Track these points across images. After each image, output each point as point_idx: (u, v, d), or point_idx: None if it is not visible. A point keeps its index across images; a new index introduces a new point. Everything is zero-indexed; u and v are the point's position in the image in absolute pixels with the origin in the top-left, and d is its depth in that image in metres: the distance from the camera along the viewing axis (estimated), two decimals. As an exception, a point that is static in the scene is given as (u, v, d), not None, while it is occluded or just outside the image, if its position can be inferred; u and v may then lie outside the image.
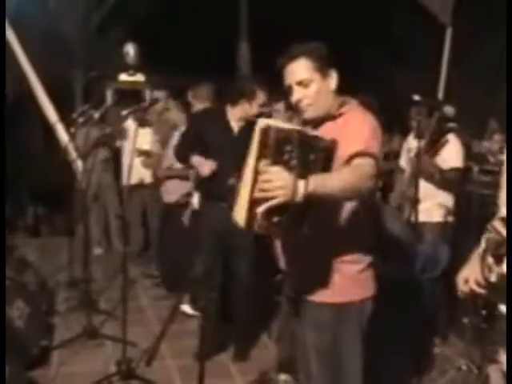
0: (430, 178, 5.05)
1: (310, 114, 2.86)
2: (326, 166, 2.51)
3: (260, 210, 2.38)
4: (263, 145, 2.44)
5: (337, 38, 12.20)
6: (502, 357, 2.73)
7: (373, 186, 2.62)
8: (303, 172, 2.39)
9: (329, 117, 2.86)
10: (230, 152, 4.43)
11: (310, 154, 2.46)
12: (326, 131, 2.74)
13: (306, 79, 2.83)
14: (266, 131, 2.44)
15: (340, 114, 2.84)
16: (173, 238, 6.41)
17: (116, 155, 8.12)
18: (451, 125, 5.20)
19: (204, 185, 4.99)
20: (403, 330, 4.74)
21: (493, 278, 2.63)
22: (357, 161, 2.60)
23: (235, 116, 4.87)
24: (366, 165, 2.59)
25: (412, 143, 5.28)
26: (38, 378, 4.67)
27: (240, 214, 2.51)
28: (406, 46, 11.84)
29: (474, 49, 11.06)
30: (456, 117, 5.20)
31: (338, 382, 2.91)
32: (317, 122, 2.87)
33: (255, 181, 2.40)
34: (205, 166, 4.79)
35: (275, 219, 2.42)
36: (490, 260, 2.61)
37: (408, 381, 4.51)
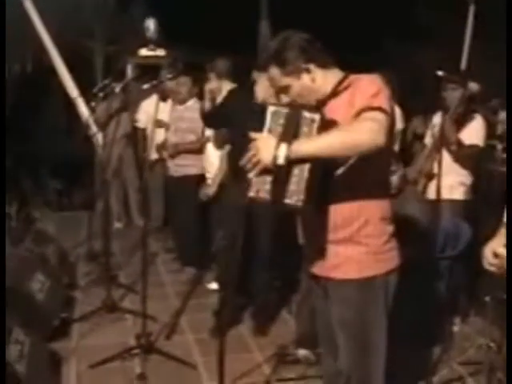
0: (448, 148, 5.00)
1: (306, 105, 2.83)
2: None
3: (249, 175, 2.56)
4: (265, 121, 2.63)
5: (358, 18, 12.16)
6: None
7: (379, 133, 2.51)
8: (291, 137, 2.52)
9: (331, 95, 2.81)
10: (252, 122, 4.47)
11: (303, 127, 2.56)
12: (331, 109, 2.74)
13: (282, 87, 2.85)
14: (265, 107, 2.65)
15: (343, 90, 2.78)
16: (187, 211, 6.39)
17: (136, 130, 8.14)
18: (476, 106, 5.16)
19: (231, 160, 4.99)
20: (423, 309, 4.73)
21: None
22: (363, 115, 2.55)
23: (263, 85, 4.81)
24: (368, 118, 2.53)
25: (437, 120, 5.24)
26: (58, 349, 4.71)
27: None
28: (431, 25, 11.71)
29: (496, 27, 10.92)
30: (480, 93, 5.14)
31: (365, 355, 2.90)
32: (322, 104, 2.83)
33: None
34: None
35: (265, 186, 2.56)
36: None
37: (427, 359, 4.50)
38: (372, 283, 2.82)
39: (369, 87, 2.64)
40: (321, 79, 2.82)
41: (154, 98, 7.36)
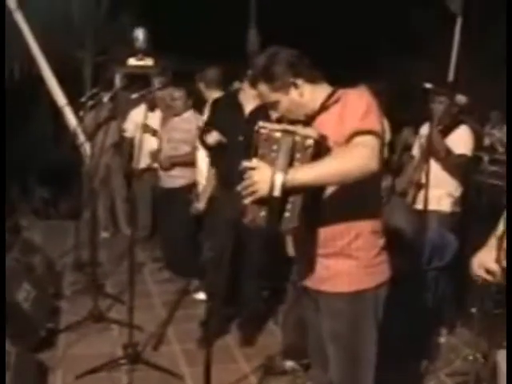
0: (437, 156, 5.02)
1: (296, 119, 2.86)
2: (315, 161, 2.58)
3: (244, 202, 2.60)
4: (255, 145, 2.65)
5: (350, 28, 12.20)
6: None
7: (372, 158, 2.54)
8: (286, 167, 2.54)
9: (320, 110, 2.83)
10: (236, 133, 4.49)
11: (296, 153, 2.57)
12: (321, 123, 2.76)
13: (271, 103, 2.87)
14: (257, 132, 2.65)
15: (331, 104, 2.79)
16: (178, 222, 6.39)
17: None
18: (464, 117, 5.19)
19: (219, 170, 4.99)
20: (409, 320, 4.73)
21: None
22: (355, 140, 2.57)
23: (248, 96, 4.80)
24: (361, 144, 2.56)
25: (424, 131, 5.27)
26: (44, 359, 4.68)
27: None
28: (418, 37, 11.78)
29: (483, 38, 11.01)
30: (466, 106, 5.18)
31: (355, 367, 2.90)
32: (311, 118, 2.85)
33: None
34: (209, 136, 4.83)
35: (261, 213, 2.60)
36: (505, 245, 2.58)
37: (414, 370, 4.51)
38: (362, 296, 2.82)
39: (358, 104, 2.66)
40: (309, 94, 2.83)
41: (142, 107, 7.36)
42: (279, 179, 2.49)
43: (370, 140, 2.57)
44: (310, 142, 2.56)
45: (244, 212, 2.64)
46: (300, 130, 2.64)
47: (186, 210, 5.98)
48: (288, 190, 2.52)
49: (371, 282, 2.83)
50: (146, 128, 6.89)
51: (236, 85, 5.67)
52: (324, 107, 2.81)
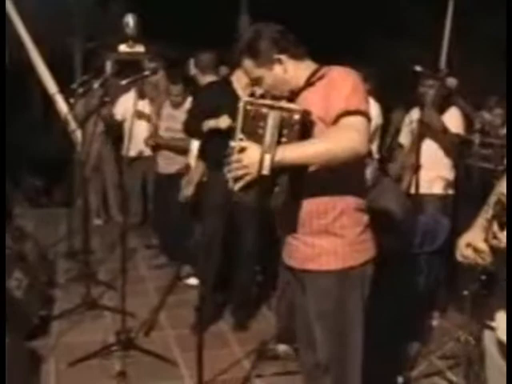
0: (434, 135, 5.01)
1: (280, 95, 2.87)
2: (301, 138, 2.59)
3: (236, 187, 2.61)
4: (243, 121, 2.68)
5: (340, 13, 12.15)
6: (499, 323, 2.72)
7: (360, 141, 2.55)
8: (275, 145, 2.54)
9: (304, 86, 2.83)
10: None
11: (283, 129, 2.58)
12: (305, 99, 2.77)
13: (255, 78, 2.88)
14: (244, 106, 2.67)
15: (316, 80, 2.80)
16: (171, 207, 6.41)
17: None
18: (453, 99, 5.19)
19: (209, 154, 4.97)
20: (401, 304, 4.75)
21: (498, 244, 2.60)
22: (342, 121, 2.58)
23: (241, 83, 4.81)
24: (349, 126, 2.56)
25: (414, 116, 5.26)
26: (37, 347, 4.69)
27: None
28: (409, 20, 11.75)
29: (475, 22, 10.98)
30: (458, 88, 5.17)
31: (343, 346, 2.90)
32: (295, 94, 2.86)
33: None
34: (222, 121, 4.76)
35: (251, 192, 2.64)
36: (495, 227, 2.58)
37: (406, 353, 4.53)
38: (348, 274, 2.82)
39: (344, 82, 2.66)
40: (293, 70, 2.84)
41: (131, 93, 7.36)
42: (268, 160, 2.50)
43: (358, 121, 2.58)
44: (296, 117, 2.56)
45: (232, 190, 2.66)
46: (285, 104, 2.65)
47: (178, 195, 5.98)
48: (276, 168, 2.53)
49: (357, 259, 2.83)
50: (138, 113, 6.89)
51: (223, 70, 5.65)
52: (308, 83, 2.82)
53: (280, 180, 2.61)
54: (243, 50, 2.84)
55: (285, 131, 2.57)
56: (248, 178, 2.56)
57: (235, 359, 4.56)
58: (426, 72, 4.57)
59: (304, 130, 2.60)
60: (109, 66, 9.24)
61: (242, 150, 2.58)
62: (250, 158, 2.54)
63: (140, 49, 9.26)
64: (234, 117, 4.57)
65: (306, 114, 2.61)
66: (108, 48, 9.50)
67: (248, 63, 2.85)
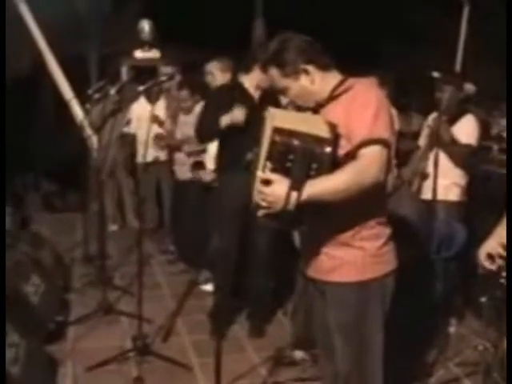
0: (442, 145, 5.00)
1: (302, 108, 2.88)
2: (329, 171, 2.58)
3: (259, 214, 2.67)
4: (270, 148, 2.60)
5: (354, 18, 12.15)
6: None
7: (382, 173, 2.61)
8: (300, 180, 2.53)
9: (329, 98, 2.82)
10: (251, 125, 4.44)
11: (312, 163, 2.55)
12: (329, 112, 2.76)
13: (281, 89, 2.88)
14: (272, 136, 2.57)
15: (341, 93, 2.79)
16: (188, 213, 6.42)
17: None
18: (469, 106, 5.16)
19: (222, 158, 4.97)
20: (418, 310, 4.73)
21: None
22: (363, 151, 2.59)
23: (251, 84, 4.83)
24: (370, 156, 2.58)
25: (432, 120, 5.24)
26: (54, 352, 4.70)
27: (253, 207, 2.76)
28: (424, 25, 11.73)
29: (490, 28, 10.94)
30: (475, 94, 5.15)
31: (363, 357, 2.90)
32: (320, 106, 2.85)
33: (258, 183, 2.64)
34: (237, 114, 4.73)
35: (273, 222, 2.71)
36: None
37: (423, 360, 4.51)
38: (369, 286, 2.82)
39: (367, 106, 2.65)
40: (319, 81, 2.83)
41: (142, 99, 7.41)
42: (294, 198, 2.52)
43: (378, 152, 2.60)
44: (328, 149, 2.55)
45: (254, 214, 2.71)
46: (317, 132, 2.58)
47: (200, 201, 5.99)
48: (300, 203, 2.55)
49: (378, 271, 2.83)
50: (154, 118, 6.93)
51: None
52: (333, 96, 2.81)
53: (304, 214, 2.61)
54: (270, 59, 2.83)
55: (314, 165, 2.55)
56: (271, 211, 2.60)
57: (252, 365, 4.55)
58: (443, 77, 4.56)
59: (332, 164, 2.58)
60: (124, 72, 9.26)
61: (268, 182, 2.57)
62: (276, 193, 2.56)
63: (156, 54, 9.27)
64: (250, 114, 4.60)
65: (336, 135, 2.59)
66: (123, 53, 9.52)
67: (274, 73, 2.84)
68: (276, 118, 2.62)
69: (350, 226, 2.78)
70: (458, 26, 7.83)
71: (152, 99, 7.24)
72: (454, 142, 5.03)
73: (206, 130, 4.98)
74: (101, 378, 4.36)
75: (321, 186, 2.55)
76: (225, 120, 4.76)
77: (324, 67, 2.84)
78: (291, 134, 2.56)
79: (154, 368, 4.47)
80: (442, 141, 4.94)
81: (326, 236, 2.82)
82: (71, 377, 4.42)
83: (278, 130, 2.57)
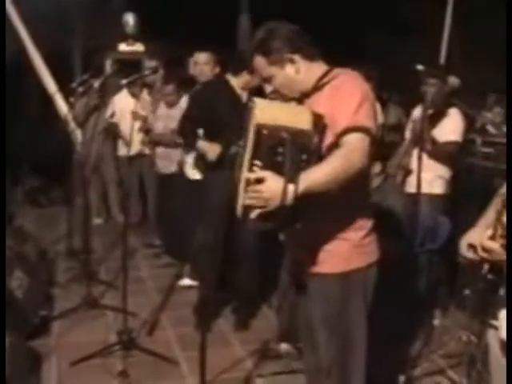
0: (422, 146, 5.01)
1: (287, 97, 2.87)
2: (316, 162, 2.54)
3: (252, 216, 2.54)
4: (256, 145, 2.52)
5: (340, 13, 12.14)
6: (502, 322, 2.72)
7: (365, 159, 2.58)
8: (294, 172, 2.45)
9: (314, 88, 2.82)
10: (238, 120, 4.44)
11: (302, 155, 2.51)
12: (314, 102, 2.75)
13: (266, 76, 2.86)
14: (259, 130, 2.51)
15: (325, 83, 2.78)
16: (173, 207, 6.41)
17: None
18: (454, 100, 5.17)
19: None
20: (402, 303, 4.75)
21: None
22: (345, 138, 2.57)
23: (237, 85, 4.85)
24: (354, 143, 2.56)
25: (417, 114, 5.26)
26: (38, 347, 4.68)
27: (238, 212, 2.64)
28: (409, 18, 11.75)
29: (474, 22, 10.98)
30: (459, 88, 5.16)
31: (346, 350, 2.90)
32: (305, 96, 2.85)
33: (247, 185, 2.52)
34: (211, 150, 4.80)
35: (268, 220, 2.54)
36: (505, 219, 2.56)
37: (408, 352, 4.52)
38: (352, 277, 2.82)
39: (351, 95, 2.64)
40: (305, 71, 2.82)
41: (124, 92, 7.38)
42: (291, 191, 2.43)
43: (361, 138, 2.58)
44: (316, 140, 2.53)
45: (245, 221, 2.58)
46: (302, 125, 2.55)
47: (179, 194, 5.98)
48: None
49: (361, 262, 2.84)
50: (135, 115, 6.89)
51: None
52: (318, 86, 2.80)
53: (299, 209, 2.50)
54: (256, 47, 2.83)
55: (304, 156, 2.50)
56: (267, 210, 2.49)
57: (237, 358, 4.56)
58: (428, 70, 4.56)
59: (320, 155, 2.56)
60: (108, 66, 9.23)
61: (260, 180, 2.48)
62: (272, 189, 2.46)
63: (140, 48, 9.25)
64: (230, 115, 4.61)
65: (322, 126, 2.58)
66: (107, 47, 9.49)
67: (260, 61, 2.83)
68: (261, 110, 2.57)
69: (335, 217, 2.77)
70: (443, 19, 7.86)
71: (135, 93, 7.21)
72: (433, 143, 5.05)
73: (188, 131, 5.02)
74: (85, 373, 4.35)
75: (312, 177, 2.49)
76: (199, 145, 4.94)
77: (310, 57, 2.83)
78: (277, 126, 2.51)
79: (138, 362, 4.46)
80: (422, 141, 4.96)
81: (311, 229, 2.82)
82: (56, 371, 4.41)
83: (263, 124, 2.52)
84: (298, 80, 2.83)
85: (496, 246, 2.61)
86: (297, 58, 2.80)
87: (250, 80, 4.77)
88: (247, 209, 2.54)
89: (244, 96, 4.85)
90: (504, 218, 2.56)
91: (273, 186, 2.46)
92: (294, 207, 2.46)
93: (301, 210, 2.51)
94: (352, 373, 2.94)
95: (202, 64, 5.74)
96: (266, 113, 2.57)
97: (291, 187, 2.43)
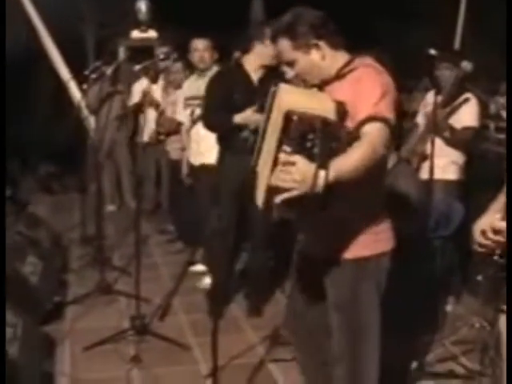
0: (439, 134, 4.98)
1: (308, 83, 2.85)
2: (345, 151, 2.51)
3: (278, 200, 2.39)
4: (285, 130, 2.45)
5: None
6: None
7: (384, 151, 2.59)
8: (325, 159, 2.39)
9: (335, 76, 2.82)
10: (250, 104, 4.43)
11: (332, 143, 2.47)
12: (334, 91, 2.74)
13: (289, 60, 2.84)
14: (288, 116, 2.44)
15: (347, 72, 2.79)
16: (185, 193, 6.41)
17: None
18: (467, 85, 5.14)
19: (223, 139, 4.93)
20: (415, 289, 4.73)
21: None
22: (366, 127, 2.56)
23: (253, 65, 4.77)
24: (375, 132, 2.56)
25: (430, 99, 5.22)
26: (52, 332, 4.71)
27: (259, 198, 2.56)
28: (422, 2, 11.65)
29: (489, 8, 10.88)
30: (472, 73, 5.11)
31: (359, 336, 2.91)
32: (325, 83, 2.84)
33: (274, 166, 2.42)
34: (251, 117, 4.60)
35: (294, 207, 2.44)
36: None
37: (420, 338, 4.51)
38: (366, 263, 2.83)
39: (374, 86, 2.64)
40: (329, 58, 2.82)
41: (144, 80, 7.36)
42: (323, 177, 2.36)
43: (382, 128, 2.57)
44: (343, 130, 2.52)
45: (267, 205, 2.48)
46: (328, 108, 2.52)
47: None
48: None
49: (374, 249, 2.84)
50: (150, 101, 6.89)
51: (236, 55, 5.60)
52: (339, 75, 2.80)
53: (328, 197, 2.43)
54: (281, 30, 2.81)
55: (333, 144, 2.46)
56: (295, 194, 2.36)
57: (249, 344, 4.56)
58: (441, 55, 4.52)
59: (349, 144, 2.53)
60: (122, 53, 9.23)
61: (290, 163, 2.37)
62: (303, 173, 2.34)
63: (152, 34, 9.24)
64: (244, 100, 4.58)
65: (344, 114, 2.56)
66: (120, 34, 9.49)
67: (284, 44, 2.80)
68: (287, 95, 2.55)
69: (351, 205, 2.76)
70: (457, 4, 7.80)
71: (152, 79, 7.20)
72: (452, 130, 5.02)
73: (217, 126, 4.92)
74: (98, 358, 4.37)
75: (341, 165, 2.43)
76: (238, 118, 4.67)
77: (335, 45, 2.83)
78: (307, 113, 2.46)
79: (151, 347, 4.48)
80: (440, 130, 4.94)
81: (325, 215, 2.81)
82: (69, 356, 4.43)
83: (293, 110, 2.45)
84: (323, 67, 2.82)
85: (504, 226, 2.59)
86: (322, 44, 2.79)
87: (264, 48, 4.69)
88: (272, 192, 2.42)
89: (255, 78, 4.81)
90: None
91: (303, 169, 2.35)
92: (323, 195, 2.39)
93: (329, 199, 2.44)
94: (365, 360, 2.94)
95: (201, 51, 5.70)
96: (293, 98, 2.55)
97: (322, 173, 2.36)
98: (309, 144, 2.41)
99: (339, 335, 2.94)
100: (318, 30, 2.78)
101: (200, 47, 5.68)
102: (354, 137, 2.56)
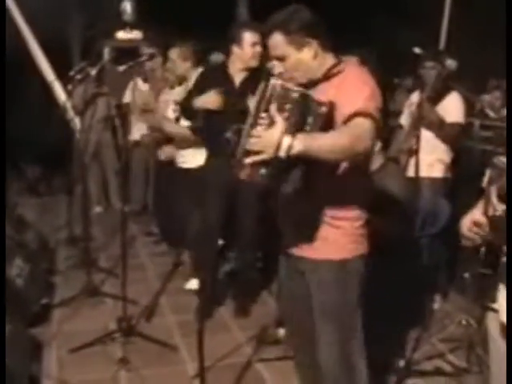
0: (430, 127, 4.99)
1: (294, 82, 2.83)
2: (322, 130, 2.56)
3: (246, 161, 2.53)
4: (265, 98, 2.57)
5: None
6: (501, 305, 2.71)
7: (369, 147, 2.59)
8: (297, 131, 2.48)
9: (322, 78, 2.84)
10: (231, 106, 4.44)
11: (308, 117, 2.55)
12: (321, 92, 2.74)
13: (281, 55, 2.84)
14: (273, 86, 2.58)
15: (334, 74, 2.81)
16: (170, 194, 6.38)
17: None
18: (451, 84, 5.16)
19: (208, 140, 4.94)
20: (403, 287, 4.74)
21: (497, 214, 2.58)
22: (355, 121, 2.58)
23: (236, 68, 4.80)
24: (362, 125, 2.57)
25: (414, 98, 5.23)
26: (39, 335, 4.69)
27: (233, 161, 2.65)
28: (408, 1, 11.68)
29: (474, 6, 10.91)
30: (457, 71, 5.13)
31: (343, 336, 2.93)
32: (311, 84, 2.85)
33: (249, 132, 2.55)
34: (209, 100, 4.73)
35: (261, 171, 2.54)
36: (495, 199, 2.57)
37: (407, 336, 4.52)
38: (347, 263, 2.86)
39: (363, 87, 2.68)
40: (320, 59, 2.84)
41: (137, 79, 7.34)
42: (287, 142, 2.42)
43: (369, 123, 2.59)
44: (323, 109, 2.56)
45: (239, 167, 2.58)
46: (315, 96, 2.61)
47: (176, 182, 5.95)
48: (291, 155, 2.47)
49: (355, 250, 2.88)
50: (146, 106, 6.87)
51: (214, 57, 5.61)
52: (327, 76, 2.82)
53: (293, 167, 2.55)
54: (277, 24, 2.81)
55: (309, 119, 2.54)
56: (262, 156, 2.47)
57: (236, 344, 4.56)
58: (426, 54, 4.54)
59: (327, 123, 2.58)
60: (107, 53, 9.20)
61: (271, 124, 2.51)
62: (270, 138, 2.45)
63: (137, 35, 9.22)
64: (231, 100, 4.58)
65: (332, 107, 2.60)
66: (105, 35, 9.46)
67: (278, 38, 2.80)
68: (278, 76, 2.70)
69: (334, 205, 2.79)
70: (443, 3, 7.82)
71: (145, 78, 7.18)
72: (441, 122, 5.03)
73: (187, 111, 4.97)
74: (86, 360, 4.36)
75: (313, 140, 2.48)
76: (197, 102, 4.75)
77: (325, 47, 2.85)
78: (289, 89, 2.60)
79: (139, 349, 4.47)
80: (430, 123, 4.94)
81: (306, 214, 2.83)
82: (56, 359, 4.41)
83: (276, 83, 2.60)
84: (312, 66, 2.83)
85: (483, 219, 2.62)
86: (315, 44, 2.81)
87: (241, 52, 4.70)
88: (247, 155, 2.54)
89: (239, 79, 4.82)
90: (493, 198, 2.57)
91: (273, 133, 2.46)
92: (289, 165, 2.51)
93: (295, 171, 2.56)
94: (355, 359, 2.96)
95: (174, 59, 5.73)
96: (281, 79, 2.67)
97: (287, 139, 2.43)
98: (285, 114, 2.53)
99: (327, 337, 2.95)
100: (312, 29, 2.80)
101: (173, 56, 5.72)
102: (330, 116, 2.61)
